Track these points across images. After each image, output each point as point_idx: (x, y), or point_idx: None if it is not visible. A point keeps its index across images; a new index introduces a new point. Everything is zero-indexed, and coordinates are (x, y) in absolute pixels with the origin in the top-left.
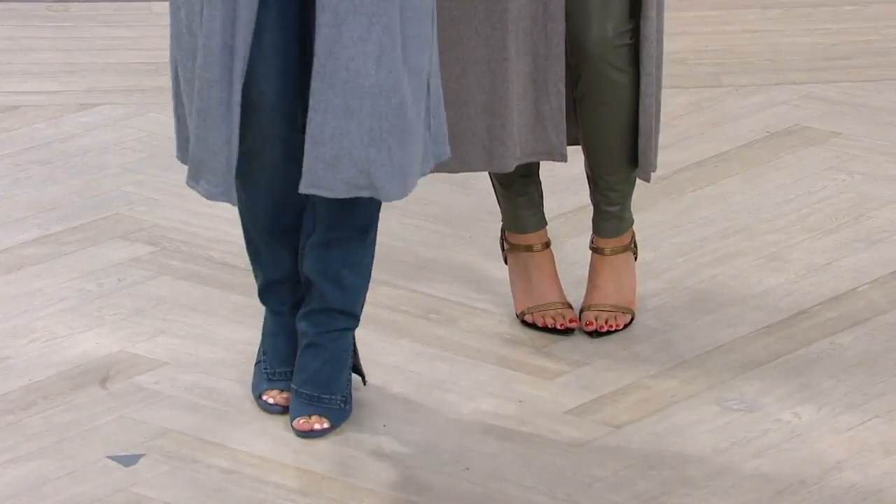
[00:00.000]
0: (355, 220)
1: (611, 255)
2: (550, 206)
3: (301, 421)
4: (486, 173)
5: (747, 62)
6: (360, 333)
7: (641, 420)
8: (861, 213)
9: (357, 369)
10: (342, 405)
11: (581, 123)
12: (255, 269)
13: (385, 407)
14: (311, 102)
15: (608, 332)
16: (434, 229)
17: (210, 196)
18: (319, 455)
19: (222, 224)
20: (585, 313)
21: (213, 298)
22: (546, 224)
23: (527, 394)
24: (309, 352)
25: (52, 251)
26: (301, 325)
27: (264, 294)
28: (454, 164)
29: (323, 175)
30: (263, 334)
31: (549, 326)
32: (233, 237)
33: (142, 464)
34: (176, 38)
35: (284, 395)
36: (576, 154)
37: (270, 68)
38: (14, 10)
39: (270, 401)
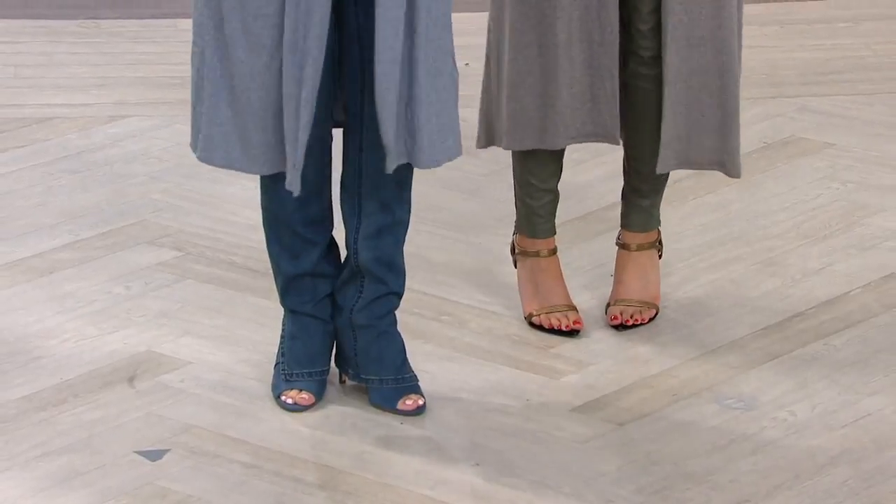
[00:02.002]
0: (396, 207)
1: (636, 250)
2: (557, 214)
3: (407, 402)
4: (513, 180)
5: (745, 76)
6: None
7: (643, 418)
8: (854, 220)
9: None
10: (417, 381)
11: (623, 110)
12: (275, 269)
13: None
14: (380, 83)
15: (633, 326)
16: (446, 235)
17: (286, 186)
18: (337, 451)
19: (244, 230)
20: (611, 308)
21: (235, 301)
22: (555, 233)
23: (534, 392)
24: (381, 341)
25: (82, 256)
26: (361, 320)
27: (285, 292)
28: (507, 140)
29: (432, 151)
30: (282, 337)
31: (556, 328)
32: (254, 242)
33: (167, 458)
34: (232, 37)
35: (303, 394)
36: (580, 163)
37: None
38: (47, 27)
39: (289, 401)
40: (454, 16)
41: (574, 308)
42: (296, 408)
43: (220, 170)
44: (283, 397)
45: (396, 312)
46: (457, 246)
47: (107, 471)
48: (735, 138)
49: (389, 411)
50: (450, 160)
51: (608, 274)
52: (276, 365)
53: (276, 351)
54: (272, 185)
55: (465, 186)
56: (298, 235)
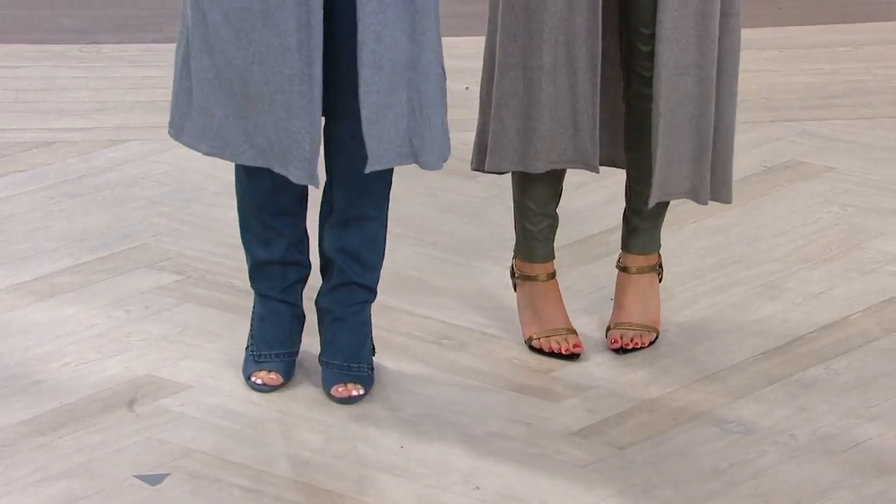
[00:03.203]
0: (369, 200)
1: (636, 273)
2: (556, 237)
3: (339, 388)
4: (513, 204)
5: (745, 100)
6: (377, 357)
7: (644, 441)
8: (854, 244)
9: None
10: (369, 372)
11: (625, 131)
12: (246, 253)
13: (400, 428)
14: (362, 87)
15: (633, 350)
16: (446, 259)
17: (298, 180)
18: (337, 475)
19: (244, 254)
20: (612, 332)
21: (235, 325)
22: (553, 258)
23: (535, 416)
24: (335, 326)
25: (82, 280)
26: (324, 303)
27: (254, 277)
28: (489, 161)
29: (380, 151)
30: (252, 319)
31: (555, 351)
32: None
33: (167, 483)
34: (214, 28)
35: (272, 375)
36: (580, 187)
37: None
38: (48, 52)
39: (258, 381)
40: (455, 40)
41: (574, 331)
42: (265, 388)
43: (221, 193)
44: (252, 378)
45: (372, 307)
46: (457, 269)
47: (107, 495)
48: (706, 167)
49: (327, 396)
50: (445, 161)
51: (608, 297)
52: (246, 348)
53: (247, 335)
54: (245, 175)
55: (465, 210)
56: (268, 225)
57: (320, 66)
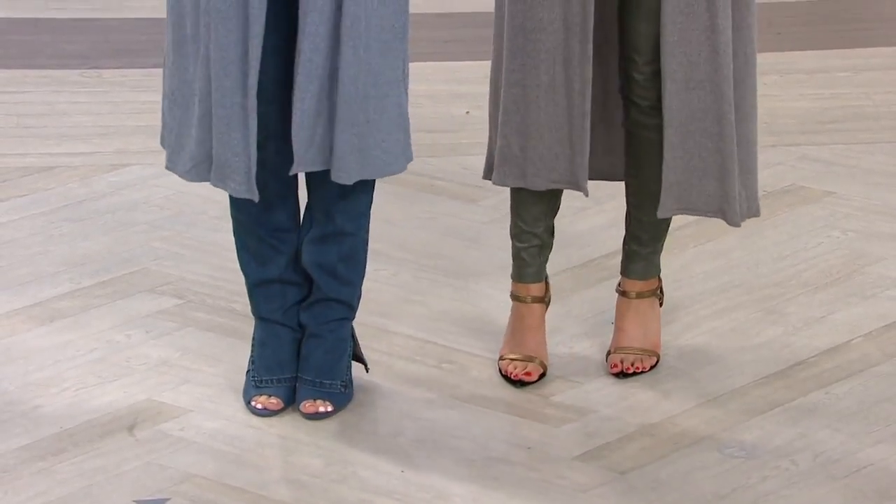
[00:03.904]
0: (345, 216)
1: (636, 298)
2: (557, 261)
3: (307, 404)
4: (509, 223)
5: None
6: (377, 381)
7: (645, 466)
8: (854, 268)
9: (358, 357)
10: (342, 389)
11: (625, 158)
12: (244, 275)
13: (400, 453)
14: (296, 93)
15: (634, 374)
16: (447, 283)
17: (237, 194)
18: (337, 499)
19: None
20: (612, 356)
21: (235, 349)
22: (541, 281)
23: (535, 441)
24: (311, 342)
25: (82, 304)
26: (302, 318)
27: (253, 298)
28: (495, 175)
29: (303, 154)
30: (252, 344)
31: (507, 375)
32: None
33: None
34: (179, 44)
35: (272, 400)
36: (581, 211)
37: (270, 71)
38: (50, 77)
39: (259, 406)
40: (456, 64)
41: (536, 359)
42: (265, 413)
43: (221, 218)
44: (252, 403)
45: (354, 323)
46: (458, 293)
47: None
48: (732, 186)
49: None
50: (369, 177)
51: (609, 321)
52: (247, 372)
53: (248, 359)
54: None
55: (466, 234)
56: (264, 242)
57: (256, 77)
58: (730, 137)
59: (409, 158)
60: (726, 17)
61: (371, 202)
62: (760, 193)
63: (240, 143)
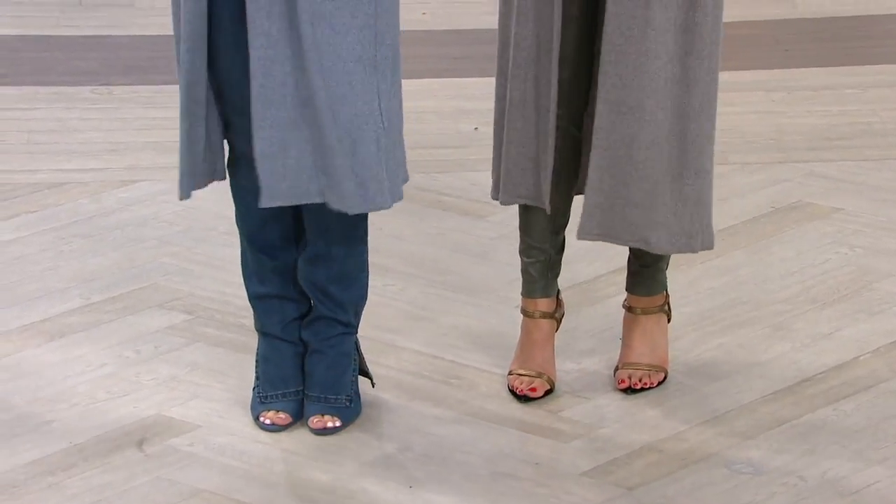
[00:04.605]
0: (332, 239)
1: (642, 314)
2: (565, 277)
3: (315, 420)
4: (515, 238)
5: (753, 142)
6: (385, 396)
7: (653, 482)
8: (862, 285)
9: (364, 372)
10: (348, 404)
11: None
12: (246, 288)
13: (408, 468)
14: (254, 122)
15: (642, 390)
16: (455, 298)
17: (179, 196)
18: None
19: None
20: (619, 371)
21: (244, 364)
22: (550, 296)
23: (544, 456)
24: (313, 358)
25: (93, 320)
26: (304, 334)
27: (256, 314)
28: (492, 192)
29: (275, 187)
30: (256, 360)
31: (514, 390)
32: None
33: None
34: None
35: (280, 415)
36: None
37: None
38: (61, 94)
39: (266, 421)
40: (465, 80)
41: (543, 375)
42: (273, 428)
43: (229, 233)
44: (261, 418)
45: (357, 339)
46: (466, 309)
47: None
48: (660, 213)
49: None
50: (346, 210)
51: (617, 337)
52: (253, 388)
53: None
54: (236, 208)
55: (474, 250)
56: (259, 258)
57: (204, 83)
58: (659, 166)
59: (396, 197)
60: (663, 44)
61: (366, 227)
62: (768, 210)
63: (193, 144)
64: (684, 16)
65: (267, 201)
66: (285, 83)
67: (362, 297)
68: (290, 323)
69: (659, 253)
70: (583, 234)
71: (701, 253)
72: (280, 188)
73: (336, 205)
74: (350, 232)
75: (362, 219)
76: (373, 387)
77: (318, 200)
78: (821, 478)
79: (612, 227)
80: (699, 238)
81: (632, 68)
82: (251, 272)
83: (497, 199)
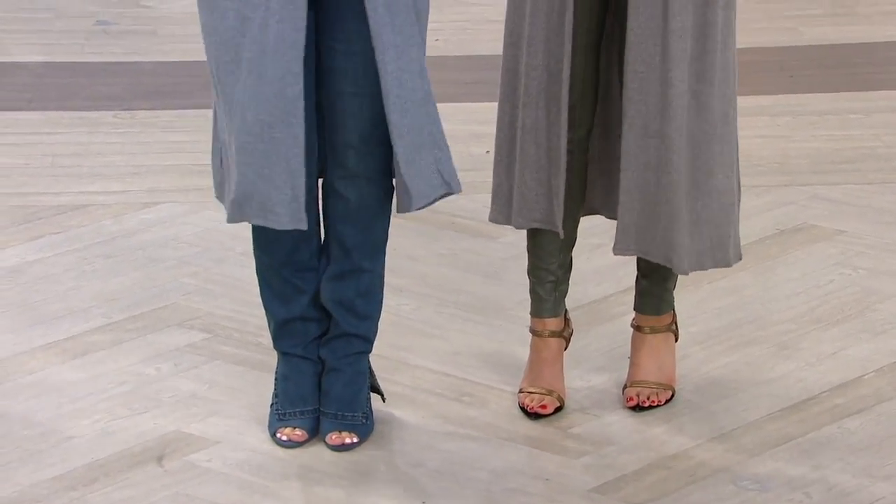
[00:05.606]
0: (363, 253)
1: (650, 333)
2: (574, 297)
3: (333, 436)
4: (526, 259)
5: (758, 165)
6: (398, 413)
7: (661, 498)
8: (866, 305)
9: (375, 389)
10: (364, 420)
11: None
12: (267, 315)
13: (421, 484)
14: (393, 133)
15: (650, 408)
16: (467, 317)
17: (280, 226)
18: None
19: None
20: (628, 389)
21: (262, 382)
22: (558, 316)
23: (553, 472)
24: (330, 376)
25: (114, 338)
26: (322, 352)
27: (278, 337)
28: (490, 213)
29: (420, 189)
30: (276, 378)
31: (524, 408)
32: None
33: None
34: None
35: (297, 431)
36: (598, 248)
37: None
38: (85, 118)
39: (284, 438)
40: (477, 105)
41: (553, 393)
42: (290, 444)
43: (247, 254)
44: (278, 434)
45: (371, 357)
46: (477, 328)
47: None
48: (678, 234)
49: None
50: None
51: (625, 356)
52: (271, 405)
53: (272, 393)
54: (262, 234)
55: (485, 270)
56: (289, 282)
57: (302, 113)
58: (679, 189)
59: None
60: (681, 71)
61: (387, 239)
62: (773, 232)
63: (281, 175)
64: (697, 46)
65: (416, 204)
66: (412, 88)
67: (380, 309)
68: (311, 342)
69: (680, 273)
70: (620, 250)
71: (707, 274)
72: (421, 189)
73: (457, 190)
74: (377, 244)
75: (385, 231)
76: (384, 402)
77: (442, 193)
78: (826, 493)
79: (646, 244)
80: (723, 253)
81: (654, 95)
82: (275, 298)
83: (494, 222)
